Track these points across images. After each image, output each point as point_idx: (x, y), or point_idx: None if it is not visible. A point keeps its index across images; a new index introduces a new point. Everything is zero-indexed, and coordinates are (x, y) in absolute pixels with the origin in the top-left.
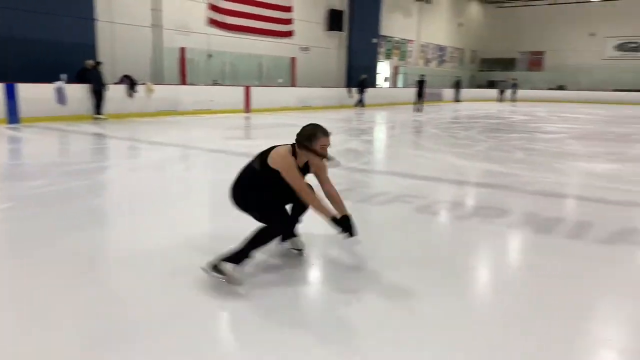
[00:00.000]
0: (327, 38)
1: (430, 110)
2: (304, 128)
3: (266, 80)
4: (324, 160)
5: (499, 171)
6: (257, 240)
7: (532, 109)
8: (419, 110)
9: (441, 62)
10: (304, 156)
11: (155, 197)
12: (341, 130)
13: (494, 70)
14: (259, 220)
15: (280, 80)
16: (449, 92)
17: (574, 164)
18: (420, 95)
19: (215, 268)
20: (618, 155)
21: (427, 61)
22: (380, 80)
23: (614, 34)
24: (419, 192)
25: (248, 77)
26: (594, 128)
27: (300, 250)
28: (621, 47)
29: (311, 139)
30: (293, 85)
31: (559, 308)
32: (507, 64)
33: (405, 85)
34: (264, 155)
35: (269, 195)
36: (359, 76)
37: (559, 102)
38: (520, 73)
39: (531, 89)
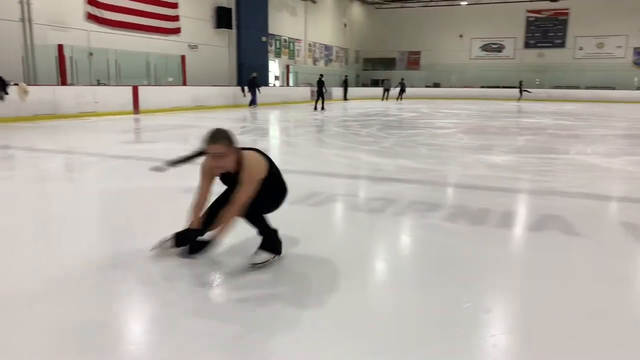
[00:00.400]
0: (217, 36)
1: (325, 109)
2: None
3: (156, 79)
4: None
5: (413, 167)
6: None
7: (416, 106)
8: (317, 109)
9: (328, 61)
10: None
11: (64, 214)
12: (245, 130)
13: (377, 70)
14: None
15: (170, 79)
16: (337, 91)
17: (476, 156)
18: (320, 94)
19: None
20: (507, 147)
21: (315, 60)
22: (271, 78)
23: (479, 36)
24: (348, 191)
25: (136, 76)
26: (476, 122)
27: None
28: (485, 48)
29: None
30: (184, 84)
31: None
32: (388, 63)
33: (296, 84)
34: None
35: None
36: (249, 74)
37: (436, 99)
38: (400, 72)
39: (410, 86)
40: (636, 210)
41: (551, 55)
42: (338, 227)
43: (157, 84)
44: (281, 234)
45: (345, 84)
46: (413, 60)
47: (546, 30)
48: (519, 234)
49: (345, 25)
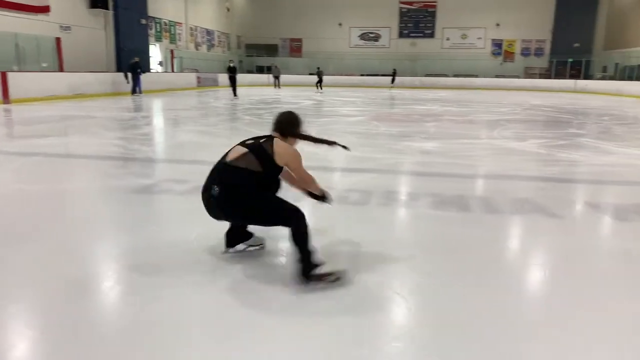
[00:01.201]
0: (92, 17)
1: (218, 96)
2: (282, 115)
3: (27, 64)
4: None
5: (360, 156)
6: (303, 241)
7: (306, 93)
8: (237, 95)
9: (210, 46)
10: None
11: None
12: (150, 121)
13: (261, 56)
14: (265, 224)
15: (44, 65)
16: (224, 77)
17: (404, 143)
18: (233, 81)
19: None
20: (424, 133)
21: (197, 45)
22: (154, 64)
23: (357, 25)
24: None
25: (3, 60)
26: (378, 110)
27: (261, 244)
28: (363, 37)
29: (295, 124)
30: (61, 70)
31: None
32: (271, 49)
33: (181, 70)
34: (261, 154)
35: (272, 195)
36: (130, 59)
37: (315, 87)
38: (283, 59)
39: (295, 74)
40: (592, 191)
41: (422, 45)
42: (335, 221)
43: (29, 69)
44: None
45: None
46: (295, 48)
47: (418, 21)
48: (517, 219)
49: (228, 9)
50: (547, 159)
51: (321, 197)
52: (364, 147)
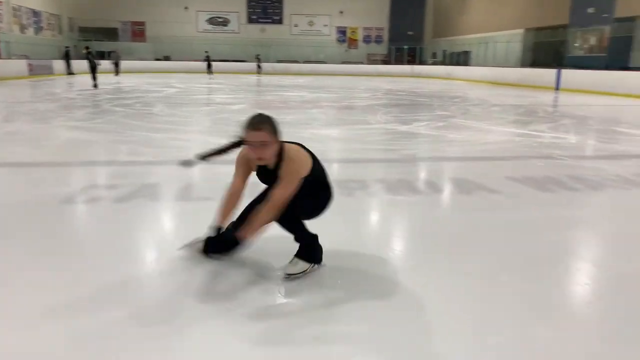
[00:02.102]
0: None
1: (61, 85)
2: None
3: None
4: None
5: None
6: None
7: (163, 80)
8: (97, 85)
9: (38, 29)
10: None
11: None
12: (6, 117)
13: (100, 40)
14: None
15: None
16: (59, 64)
17: (310, 131)
18: (93, 67)
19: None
20: (320, 120)
21: (23, 28)
22: None
23: (204, 9)
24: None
25: None
26: (254, 96)
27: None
28: (212, 21)
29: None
30: None
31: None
32: (110, 33)
33: (8, 56)
34: None
35: None
36: None
37: (170, 73)
38: (125, 44)
39: (139, 59)
40: (519, 165)
41: (272, 31)
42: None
43: None
44: None
45: (67, 56)
46: (138, 31)
47: (265, 7)
48: (474, 197)
49: None
50: (445, 140)
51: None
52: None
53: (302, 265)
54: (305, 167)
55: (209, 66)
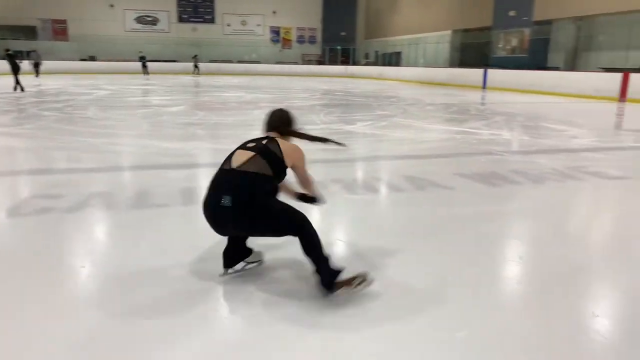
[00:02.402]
0: None
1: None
2: (274, 114)
3: None
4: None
5: (219, 148)
6: (317, 249)
7: (91, 82)
8: (18, 89)
9: None
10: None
11: None
12: None
13: (17, 39)
14: (277, 234)
15: None
16: None
17: (258, 133)
18: (15, 70)
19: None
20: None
21: None
22: None
23: (131, 7)
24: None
25: None
26: (191, 98)
27: (260, 260)
28: (140, 20)
29: (291, 122)
30: None
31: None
32: (28, 32)
33: None
34: (269, 156)
35: (283, 202)
36: None
37: (97, 74)
38: (46, 43)
39: (61, 60)
40: (467, 161)
41: (204, 30)
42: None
43: None
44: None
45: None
46: (59, 30)
47: (197, 6)
48: (432, 194)
49: None
50: (391, 139)
51: (312, 198)
52: (226, 139)
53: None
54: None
55: (145, 66)
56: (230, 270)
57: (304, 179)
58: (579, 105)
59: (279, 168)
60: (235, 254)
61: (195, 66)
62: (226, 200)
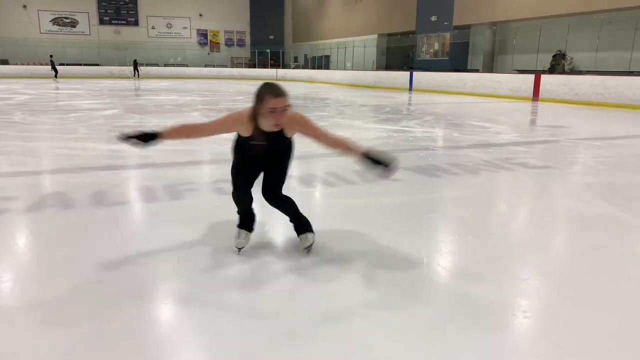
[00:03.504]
0: None
1: None
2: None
3: None
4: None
5: (168, 149)
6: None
7: (7, 87)
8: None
9: None
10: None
11: None
12: None
13: None
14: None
15: None
16: None
17: None
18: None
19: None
20: None
21: None
22: None
23: (46, 8)
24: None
25: None
26: (121, 101)
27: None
28: (57, 22)
29: (259, 100)
30: None
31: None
32: None
33: None
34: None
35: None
36: None
37: (9, 78)
38: None
39: None
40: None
41: (128, 33)
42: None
43: None
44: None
45: None
46: None
47: (119, 8)
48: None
49: None
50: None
51: (382, 161)
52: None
53: (311, 236)
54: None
55: (54, 69)
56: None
57: (329, 141)
58: (498, 105)
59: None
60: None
61: (136, 69)
62: None
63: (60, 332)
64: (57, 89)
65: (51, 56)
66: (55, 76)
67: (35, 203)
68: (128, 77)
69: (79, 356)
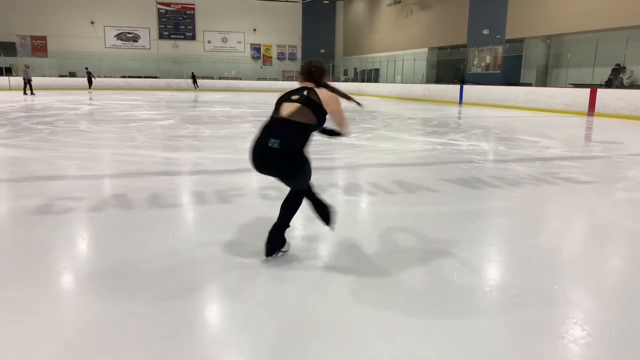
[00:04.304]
0: None
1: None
2: (312, 64)
3: None
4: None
5: (219, 158)
6: (292, 210)
7: (72, 97)
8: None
9: None
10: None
11: None
12: None
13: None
14: (300, 184)
15: None
16: None
17: (232, 142)
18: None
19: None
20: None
21: None
22: None
23: (112, 24)
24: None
25: None
26: (178, 112)
27: (287, 250)
28: (121, 37)
29: (326, 74)
30: None
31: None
32: (7, 48)
33: None
34: (314, 106)
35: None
36: None
37: (76, 90)
38: (25, 59)
39: (42, 76)
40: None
41: (185, 47)
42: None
43: None
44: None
45: None
46: (39, 46)
47: (177, 23)
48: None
49: None
50: (379, 149)
51: (335, 132)
52: (225, 149)
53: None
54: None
55: (90, 82)
56: (270, 257)
57: (340, 122)
58: (550, 119)
59: (320, 116)
60: (275, 243)
61: (195, 82)
62: (275, 143)
63: (111, 319)
64: (122, 100)
65: (87, 68)
66: (90, 87)
67: (98, 203)
68: (188, 90)
69: (127, 342)
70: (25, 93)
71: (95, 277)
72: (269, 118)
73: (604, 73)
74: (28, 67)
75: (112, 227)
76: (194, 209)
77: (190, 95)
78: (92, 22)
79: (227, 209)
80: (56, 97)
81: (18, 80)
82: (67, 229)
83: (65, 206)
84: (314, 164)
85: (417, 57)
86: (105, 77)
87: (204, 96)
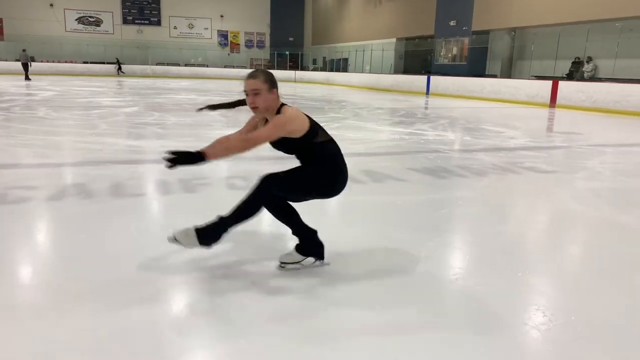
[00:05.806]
0: None
1: None
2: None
3: None
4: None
5: (184, 146)
6: (242, 210)
7: (32, 83)
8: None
9: None
10: None
11: None
12: None
13: None
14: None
15: None
16: None
17: (220, 132)
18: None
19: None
20: (225, 122)
21: None
22: None
23: (72, 7)
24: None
25: None
26: (142, 99)
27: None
28: (82, 21)
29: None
30: None
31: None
32: None
33: None
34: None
35: None
36: None
37: (35, 75)
38: None
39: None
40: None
41: (150, 33)
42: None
43: None
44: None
45: None
46: None
47: (142, 8)
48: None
49: None
50: (346, 139)
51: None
52: (189, 137)
53: (295, 256)
54: (296, 123)
55: (120, 68)
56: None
57: (250, 136)
58: (515, 110)
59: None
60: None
61: (119, 68)
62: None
63: (72, 315)
64: (84, 86)
65: (24, 50)
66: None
67: (56, 192)
68: (113, 75)
69: (90, 343)
70: (27, 79)
71: (51, 272)
72: (335, 144)
73: (565, 66)
74: (25, 50)
75: (70, 217)
76: (157, 199)
77: (155, 82)
78: (51, 5)
79: (192, 198)
80: (12, 82)
81: None
82: (22, 219)
83: (20, 195)
84: (279, 153)
85: (386, 47)
86: (66, 62)
87: (169, 83)
